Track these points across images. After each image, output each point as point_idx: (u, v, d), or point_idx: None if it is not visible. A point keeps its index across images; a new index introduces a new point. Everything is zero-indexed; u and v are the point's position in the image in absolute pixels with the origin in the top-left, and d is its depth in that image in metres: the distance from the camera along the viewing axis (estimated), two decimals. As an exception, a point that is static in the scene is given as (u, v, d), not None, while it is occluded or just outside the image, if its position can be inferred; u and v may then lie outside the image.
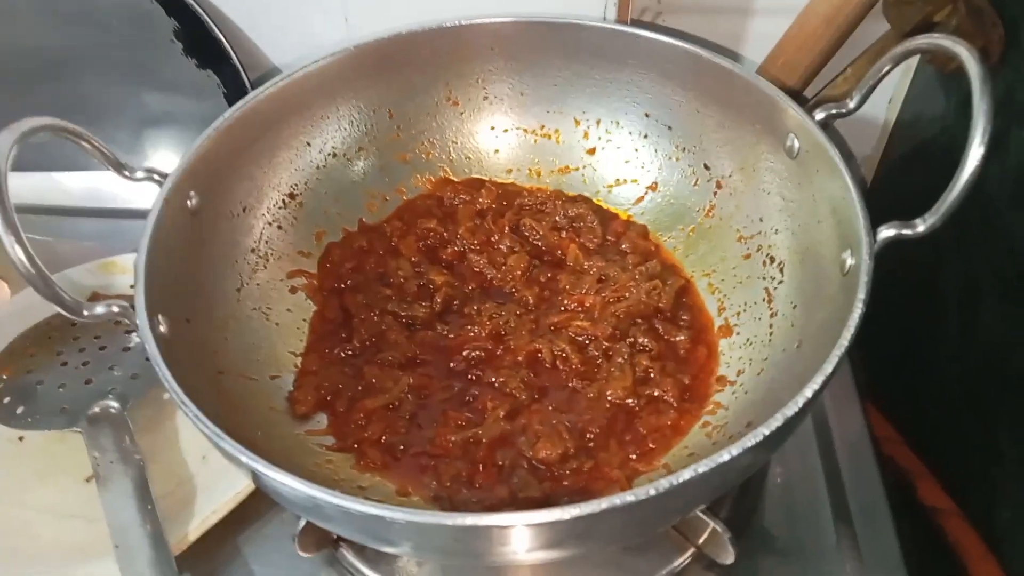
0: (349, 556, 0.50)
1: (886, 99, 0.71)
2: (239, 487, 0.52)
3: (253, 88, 0.65)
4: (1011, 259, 0.53)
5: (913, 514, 0.61)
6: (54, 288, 0.41)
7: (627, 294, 0.56)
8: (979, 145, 0.40)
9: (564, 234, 0.61)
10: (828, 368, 0.38)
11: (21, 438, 0.57)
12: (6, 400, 0.56)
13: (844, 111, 0.50)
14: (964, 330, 0.60)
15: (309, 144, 0.61)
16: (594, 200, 0.64)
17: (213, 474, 0.53)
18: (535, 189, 0.65)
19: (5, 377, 0.58)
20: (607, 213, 0.63)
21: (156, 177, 0.49)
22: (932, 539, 0.58)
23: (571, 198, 0.63)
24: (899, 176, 0.71)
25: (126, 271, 0.65)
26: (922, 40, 0.44)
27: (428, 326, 0.57)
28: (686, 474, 0.34)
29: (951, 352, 0.61)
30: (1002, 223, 0.54)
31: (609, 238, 0.61)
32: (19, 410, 0.56)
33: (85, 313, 0.42)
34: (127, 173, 0.49)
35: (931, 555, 0.59)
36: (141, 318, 0.42)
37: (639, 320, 0.55)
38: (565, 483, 0.48)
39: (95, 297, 0.63)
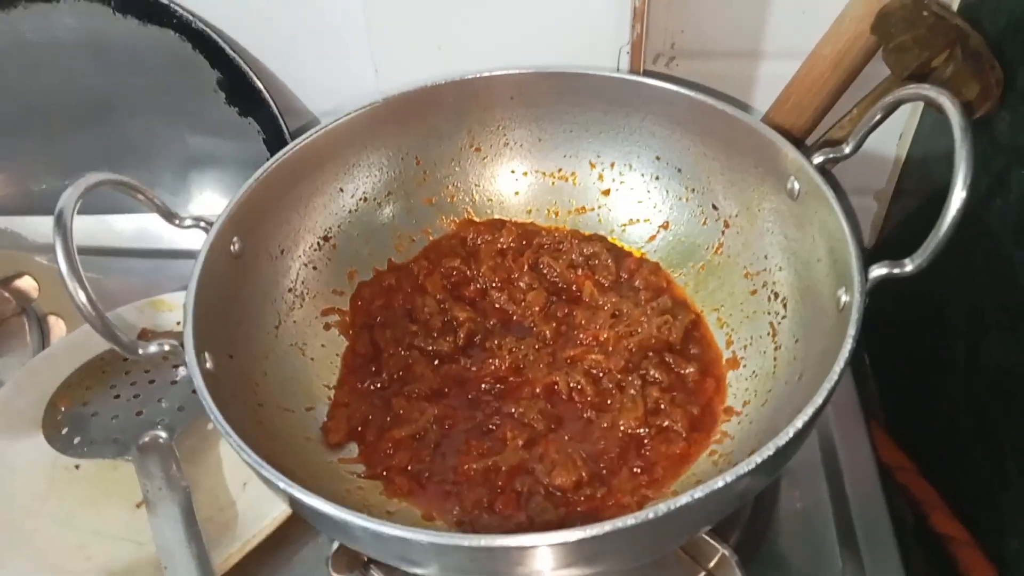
0: (378, 577, 0.54)
1: (897, 134, 0.73)
2: (276, 512, 0.55)
3: (291, 133, 0.70)
4: (1014, 292, 0.55)
5: (926, 542, 0.63)
6: (112, 329, 0.45)
7: (639, 329, 0.59)
8: (961, 190, 0.42)
9: (580, 271, 0.64)
10: (818, 400, 0.40)
11: (77, 466, 0.61)
12: (64, 431, 0.61)
13: (841, 156, 0.53)
14: (970, 360, 0.61)
15: (342, 190, 0.65)
16: (609, 239, 0.67)
17: (253, 500, 0.57)
18: (553, 229, 0.68)
19: (63, 409, 0.62)
20: (621, 251, 0.66)
21: (203, 225, 0.53)
22: (945, 567, 0.59)
23: (587, 237, 0.67)
24: (913, 208, 0.73)
25: (172, 308, 0.69)
26: (909, 90, 0.47)
27: (452, 360, 0.60)
28: (683, 499, 0.37)
29: (959, 382, 0.63)
30: (1005, 257, 0.56)
31: (623, 275, 0.64)
32: (76, 440, 0.60)
33: (140, 352, 0.46)
34: (177, 221, 0.53)
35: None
36: (189, 356, 0.46)
37: (651, 353, 0.58)
38: (579, 509, 0.50)
39: (144, 334, 0.67)
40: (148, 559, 0.54)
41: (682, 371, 0.57)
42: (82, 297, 0.43)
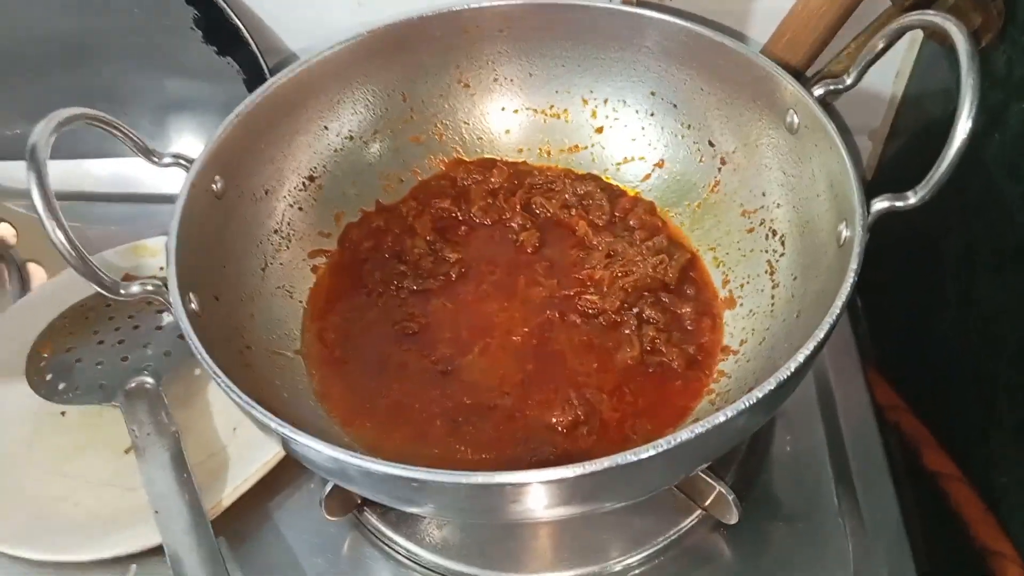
0: (373, 519, 0.53)
1: (893, 72, 0.71)
2: (268, 456, 0.55)
3: (271, 73, 0.67)
4: (1007, 229, 0.54)
5: (917, 479, 0.63)
6: (93, 268, 0.43)
7: (634, 269, 0.58)
8: (967, 119, 0.41)
9: (574, 211, 0.63)
10: (820, 334, 0.39)
11: (63, 413, 0.60)
12: (48, 376, 0.59)
13: (842, 87, 0.51)
14: (962, 298, 0.61)
15: (326, 128, 0.63)
16: (603, 178, 0.66)
17: (243, 445, 0.56)
18: (545, 168, 0.67)
19: (46, 355, 0.61)
20: (615, 190, 0.65)
21: (183, 162, 0.51)
22: (936, 503, 0.60)
23: (580, 176, 0.65)
24: (907, 147, 0.72)
25: (155, 253, 0.68)
26: (914, 17, 0.46)
27: (443, 298, 0.59)
28: (682, 435, 0.36)
29: (951, 320, 0.63)
30: (999, 193, 0.55)
31: (617, 214, 0.63)
32: (60, 386, 0.59)
33: (122, 292, 0.45)
34: (155, 159, 0.51)
35: (935, 518, 0.61)
36: (174, 296, 0.45)
37: (646, 293, 0.57)
38: (579, 448, 0.50)
39: (128, 278, 0.66)
40: (136, 505, 0.53)
41: (678, 311, 0.56)
42: (60, 236, 0.42)
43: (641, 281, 0.57)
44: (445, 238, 0.63)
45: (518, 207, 0.63)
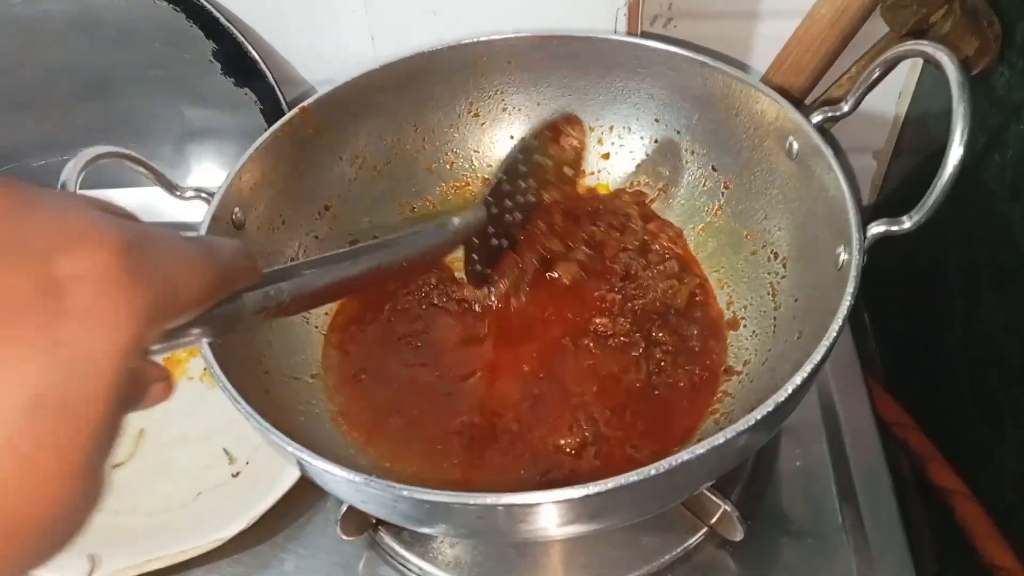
0: (387, 539, 0.55)
1: (896, 93, 0.72)
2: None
3: (287, 103, 0.69)
4: (1009, 249, 0.55)
5: (925, 495, 0.64)
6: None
7: (646, 292, 0.59)
8: (958, 146, 0.42)
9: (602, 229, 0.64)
10: (816, 357, 0.41)
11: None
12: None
13: (839, 114, 0.53)
14: (967, 316, 0.62)
15: (341, 158, 0.64)
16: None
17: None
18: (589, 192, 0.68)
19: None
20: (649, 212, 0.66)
21: (204, 195, 0.54)
22: (944, 518, 0.61)
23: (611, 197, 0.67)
24: (912, 166, 0.73)
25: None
26: (908, 47, 0.47)
27: (457, 318, 0.61)
28: (684, 455, 0.37)
29: (956, 338, 0.63)
30: (1001, 214, 0.56)
31: (646, 238, 0.64)
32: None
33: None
34: (178, 193, 0.54)
35: (944, 534, 0.62)
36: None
37: (655, 316, 0.59)
38: (587, 469, 0.51)
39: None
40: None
41: (685, 332, 0.58)
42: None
43: (651, 305, 0.59)
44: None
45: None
